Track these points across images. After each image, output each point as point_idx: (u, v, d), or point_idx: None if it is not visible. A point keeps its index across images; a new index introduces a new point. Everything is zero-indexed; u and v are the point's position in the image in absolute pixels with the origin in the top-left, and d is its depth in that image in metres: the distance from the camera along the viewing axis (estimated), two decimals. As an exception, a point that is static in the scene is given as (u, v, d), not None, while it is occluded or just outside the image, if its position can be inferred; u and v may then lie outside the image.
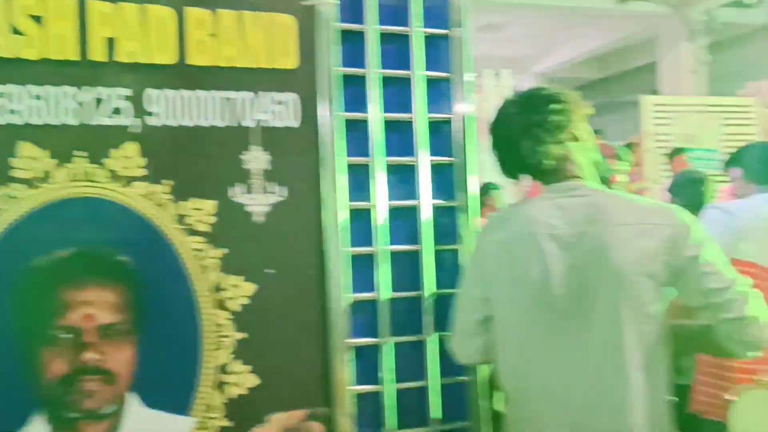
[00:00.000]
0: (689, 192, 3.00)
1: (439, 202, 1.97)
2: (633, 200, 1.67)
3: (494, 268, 1.69)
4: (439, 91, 2.00)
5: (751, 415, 1.93)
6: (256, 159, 1.74)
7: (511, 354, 1.68)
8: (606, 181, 3.90)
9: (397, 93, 1.97)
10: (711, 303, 1.55)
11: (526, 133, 1.66)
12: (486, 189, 4.92)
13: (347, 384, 1.83)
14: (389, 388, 1.88)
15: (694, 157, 7.07)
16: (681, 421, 2.83)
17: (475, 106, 2.03)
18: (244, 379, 1.72)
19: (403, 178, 1.96)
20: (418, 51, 1.95)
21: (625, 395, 1.55)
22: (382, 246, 1.90)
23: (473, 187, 1.99)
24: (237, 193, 1.73)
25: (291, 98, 1.77)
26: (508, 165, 1.75)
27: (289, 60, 1.77)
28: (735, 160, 2.81)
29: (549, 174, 1.70)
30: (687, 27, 8.53)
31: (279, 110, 1.76)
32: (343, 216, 1.83)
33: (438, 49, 2.01)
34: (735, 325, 1.53)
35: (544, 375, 1.62)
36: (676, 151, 6.88)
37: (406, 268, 1.96)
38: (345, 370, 1.82)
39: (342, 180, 1.84)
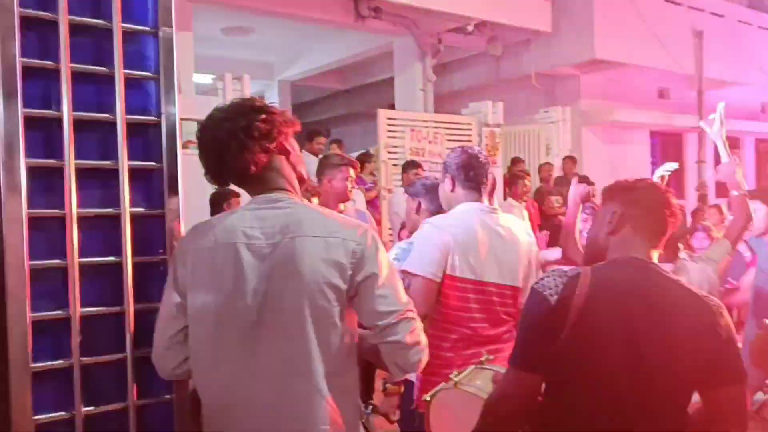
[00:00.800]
0: (431, 196, 3.17)
1: (143, 210, 1.84)
2: (328, 215, 1.73)
3: (192, 276, 1.66)
4: (146, 93, 1.88)
5: (442, 414, 2.09)
6: None
7: (204, 364, 1.66)
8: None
9: (99, 92, 1.81)
10: (378, 325, 1.65)
11: (231, 138, 1.65)
12: (227, 196, 4.78)
13: (30, 413, 1.64)
14: (80, 413, 1.71)
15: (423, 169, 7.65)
16: (406, 416, 3.02)
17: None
18: None
19: (103, 184, 1.80)
20: (120, 48, 1.80)
21: (311, 404, 1.61)
22: (76, 258, 1.73)
23: (181, 194, 1.90)
24: None
25: (-44, 89, 1.54)
26: (214, 170, 1.72)
27: (-47, 45, 1.53)
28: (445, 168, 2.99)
29: (254, 182, 1.71)
30: (418, 47, 9.22)
31: (-61, 102, 1.52)
32: (25, 225, 1.63)
33: (146, 48, 1.88)
34: (395, 348, 1.65)
35: (235, 383, 1.62)
36: (410, 165, 7.35)
37: (107, 282, 1.81)
38: (27, 397, 1.63)
39: (24, 185, 1.63)
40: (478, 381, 2.13)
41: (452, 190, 2.71)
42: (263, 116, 1.69)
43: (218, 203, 4.82)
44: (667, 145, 12.35)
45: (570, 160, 9.13)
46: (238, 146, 1.66)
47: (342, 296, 1.63)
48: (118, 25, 1.80)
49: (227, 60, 10.99)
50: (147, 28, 1.87)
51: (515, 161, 8.62)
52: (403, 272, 2.55)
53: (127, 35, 1.82)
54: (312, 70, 11.62)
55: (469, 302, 2.54)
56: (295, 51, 11.39)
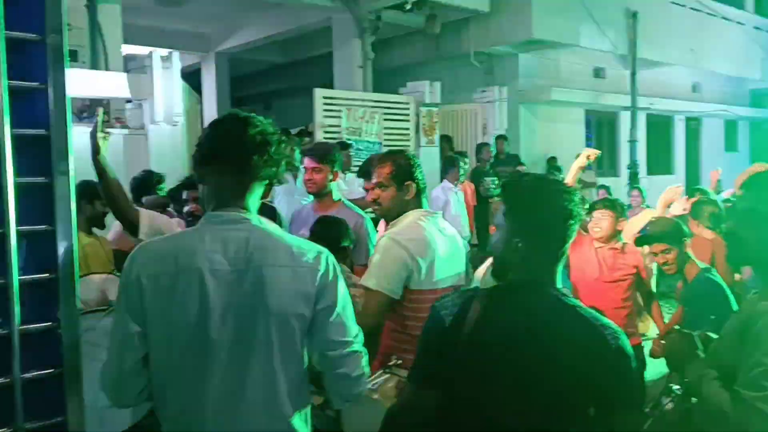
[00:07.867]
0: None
1: (28, 180, 1.74)
2: (290, 242, 1.69)
3: (150, 302, 1.58)
4: (30, 57, 1.77)
5: (353, 416, 2.12)
6: None
7: (168, 393, 1.61)
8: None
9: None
10: (328, 354, 1.66)
11: (230, 147, 1.67)
12: (150, 186, 4.46)
13: None
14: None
15: (358, 148, 7.58)
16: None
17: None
18: None
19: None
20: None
21: (277, 427, 1.62)
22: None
23: (69, 165, 1.81)
24: None
25: None
26: (201, 155, 1.72)
27: None
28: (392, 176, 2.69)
29: (225, 187, 1.69)
30: (357, 24, 9.10)
31: None
32: None
33: (30, 8, 1.77)
34: (341, 380, 1.68)
35: (201, 407, 1.58)
36: (343, 146, 7.27)
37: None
38: None
39: None
40: (388, 385, 2.16)
41: (400, 197, 2.62)
42: (266, 149, 1.68)
43: (140, 192, 4.41)
44: (601, 123, 12.60)
45: (502, 139, 9.20)
46: (232, 157, 1.67)
47: (306, 324, 1.64)
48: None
49: (161, 31, 10.65)
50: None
51: (446, 139, 8.56)
52: (360, 286, 2.53)
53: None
54: (250, 42, 11.35)
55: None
56: (232, 23, 11.11)
